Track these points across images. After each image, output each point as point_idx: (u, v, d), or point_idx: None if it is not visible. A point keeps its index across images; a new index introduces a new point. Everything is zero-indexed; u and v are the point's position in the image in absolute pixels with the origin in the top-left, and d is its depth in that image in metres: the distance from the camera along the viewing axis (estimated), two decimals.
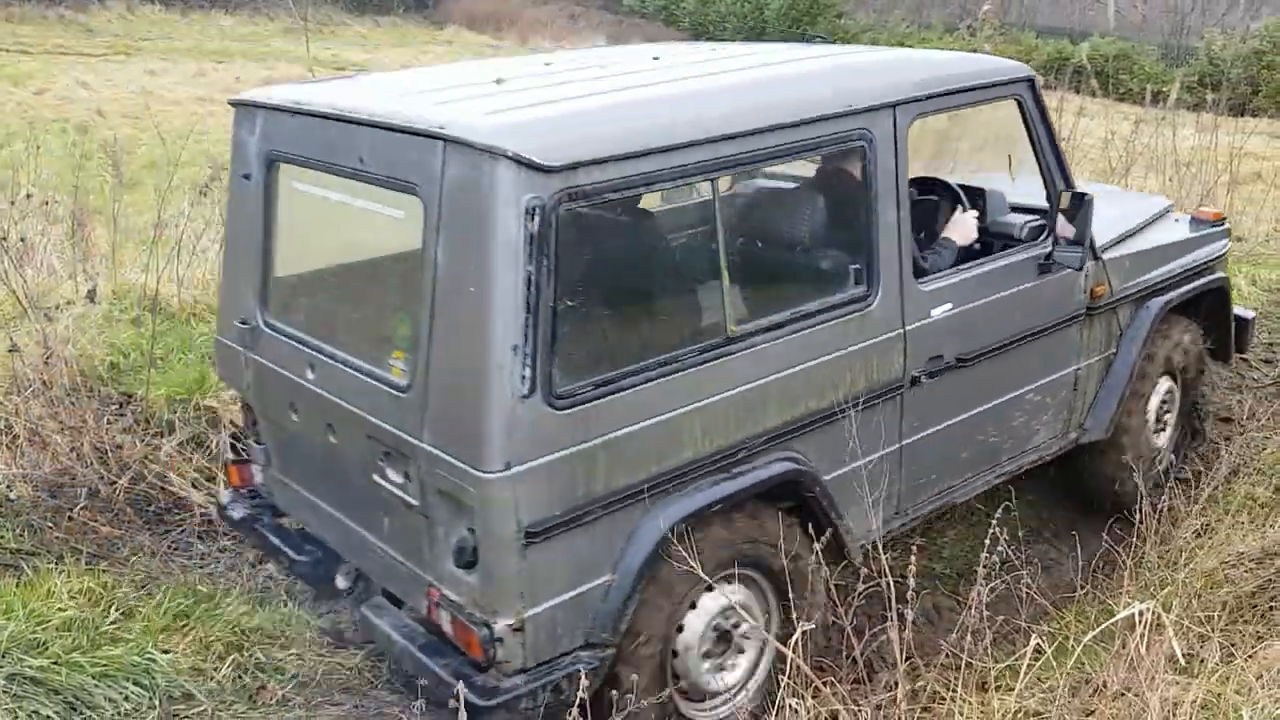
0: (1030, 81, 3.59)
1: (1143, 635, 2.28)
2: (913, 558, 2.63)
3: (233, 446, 3.61)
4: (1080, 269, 3.60)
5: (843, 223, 3.23)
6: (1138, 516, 3.40)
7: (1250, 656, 2.37)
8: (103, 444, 4.07)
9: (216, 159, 8.54)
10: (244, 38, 23.62)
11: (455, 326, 2.54)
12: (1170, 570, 3.16)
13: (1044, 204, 3.66)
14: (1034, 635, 2.34)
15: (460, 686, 2.41)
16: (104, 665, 2.95)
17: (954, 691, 2.58)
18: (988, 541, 2.70)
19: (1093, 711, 2.42)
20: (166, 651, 3.08)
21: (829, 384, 3.06)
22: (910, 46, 34.81)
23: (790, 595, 2.95)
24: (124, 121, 11.86)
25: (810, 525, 2.97)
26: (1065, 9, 35.94)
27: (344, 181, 2.89)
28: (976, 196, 3.81)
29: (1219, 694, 2.23)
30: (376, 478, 2.81)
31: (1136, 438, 4.04)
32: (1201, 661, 2.48)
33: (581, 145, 2.51)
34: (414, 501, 2.71)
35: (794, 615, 2.84)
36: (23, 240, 5.24)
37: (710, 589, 2.85)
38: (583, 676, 2.54)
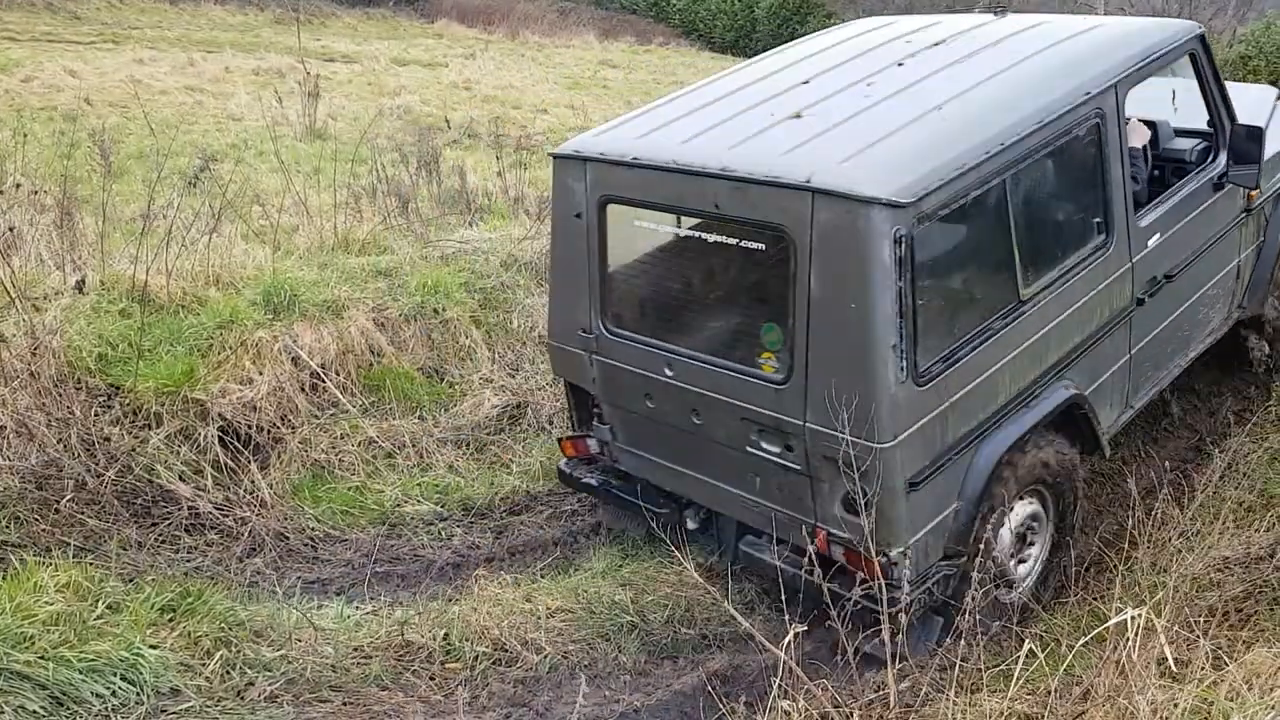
0: (1201, 36, 4.33)
1: (1133, 640, 2.29)
2: None
3: (577, 416, 4.32)
4: (1256, 187, 4.41)
5: (1085, 186, 3.90)
6: (1130, 521, 3.43)
7: (1239, 662, 2.38)
8: (90, 436, 4.04)
9: (205, 149, 8.54)
10: (234, 27, 23.47)
11: (833, 334, 3.25)
12: (1159, 575, 3.17)
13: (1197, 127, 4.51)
14: (1026, 639, 2.35)
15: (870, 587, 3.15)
16: (91, 660, 2.92)
17: (944, 693, 2.59)
18: None
19: (1082, 714, 2.44)
20: (154, 646, 3.06)
21: (1087, 320, 3.85)
22: None
23: (1063, 499, 3.84)
24: (112, 110, 11.75)
25: (1075, 438, 3.85)
26: (1055, 10, 35.91)
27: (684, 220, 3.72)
28: (1148, 125, 4.62)
29: (1209, 700, 2.25)
30: (750, 449, 3.58)
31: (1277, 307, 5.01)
32: (1188, 666, 2.49)
33: (923, 180, 3.18)
34: (796, 466, 3.48)
35: (1069, 515, 3.85)
36: (11, 230, 5.19)
37: (1020, 499, 3.69)
38: (947, 580, 3.43)
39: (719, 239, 3.65)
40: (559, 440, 4.47)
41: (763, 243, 3.46)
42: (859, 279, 3.17)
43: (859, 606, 3.16)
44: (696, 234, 3.75)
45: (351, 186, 6.94)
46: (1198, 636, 2.59)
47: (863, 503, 3.22)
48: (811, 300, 3.27)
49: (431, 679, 3.28)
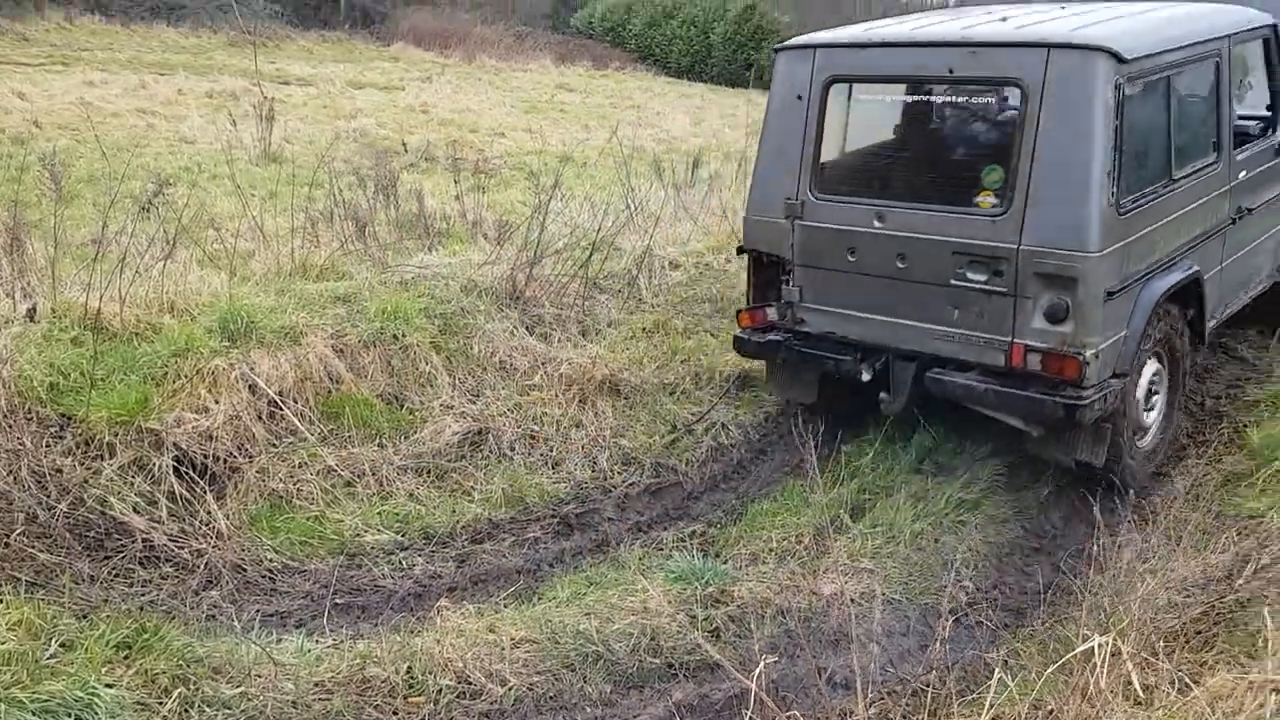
0: (1275, 27, 5.54)
1: (1099, 667, 2.31)
2: None
3: (756, 293, 5.05)
4: None
5: (1209, 109, 5.02)
6: (1094, 546, 3.47)
7: (1204, 686, 2.41)
8: (41, 467, 3.94)
9: (159, 173, 8.40)
10: (186, 50, 23.23)
11: (1056, 166, 4.10)
12: (1120, 598, 3.21)
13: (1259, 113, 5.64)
14: (996, 668, 2.37)
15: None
16: (45, 701, 2.83)
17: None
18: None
19: None
20: (110, 685, 2.97)
21: (1204, 218, 4.88)
22: None
23: (1178, 367, 4.79)
24: (62, 133, 11.56)
25: (1190, 315, 4.81)
26: None
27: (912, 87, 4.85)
28: None
29: None
30: (955, 282, 4.35)
31: None
32: (1153, 691, 2.52)
33: (1134, 48, 4.18)
34: (1002, 290, 4.24)
35: (1178, 387, 4.83)
36: None
37: (1150, 357, 4.59)
38: (1114, 395, 4.23)
39: (946, 99, 4.78)
40: (737, 313, 5.18)
41: (992, 98, 4.57)
42: (1085, 116, 4.08)
43: (1060, 412, 4.11)
44: (920, 98, 4.89)
45: (308, 211, 6.87)
46: (1161, 660, 2.62)
47: (1070, 305, 4.09)
48: (1039, 138, 4.13)
49: (395, 714, 3.22)
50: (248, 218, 6.70)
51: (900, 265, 4.50)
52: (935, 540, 4.21)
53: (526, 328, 5.88)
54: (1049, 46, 4.14)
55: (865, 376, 4.71)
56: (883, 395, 4.74)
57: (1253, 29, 5.36)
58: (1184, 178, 4.67)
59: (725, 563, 4.14)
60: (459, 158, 12.17)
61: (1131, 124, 4.23)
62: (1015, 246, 4.17)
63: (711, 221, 7.97)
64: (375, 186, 7.85)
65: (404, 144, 12.32)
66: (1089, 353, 4.11)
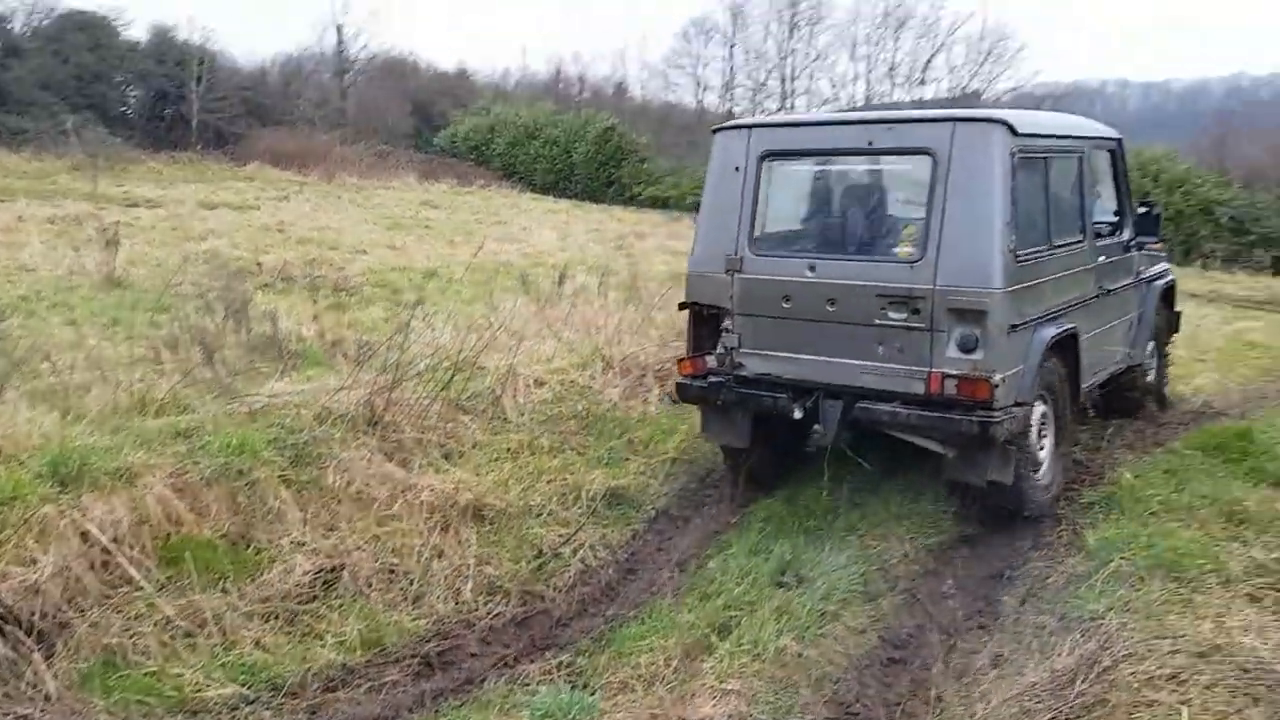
0: (1119, 141, 6.72)
1: None
2: None
3: (695, 343, 5.66)
4: (1160, 241, 7.22)
5: (1075, 197, 5.96)
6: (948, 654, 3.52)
7: None
8: None
9: None
10: (29, 174, 22.43)
11: (963, 218, 4.88)
12: (973, 708, 3.26)
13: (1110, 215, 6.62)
14: None
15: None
16: None
17: None
18: None
19: None
20: None
21: (1075, 285, 5.71)
22: None
23: (1060, 415, 5.54)
24: None
25: (1068, 371, 5.58)
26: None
27: (838, 158, 5.77)
28: None
29: None
30: (879, 321, 5.03)
31: (1144, 368, 7.14)
32: None
33: (1023, 126, 5.09)
34: (920, 326, 4.94)
35: (1057, 420, 5.51)
36: None
37: (1041, 400, 5.35)
38: (1016, 420, 4.95)
39: (867, 167, 5.73)
40: (678, 361, 5.81)
41: (907, 164, 5.33)
42: (986, 176, 4.90)
43: (975, 430, 4.79)
44: (843, 167, 5.84)
45: (151, 338, 6.62)
46: None
47: (979, 336, 4.82)
48: (948, 196, 4.92)
49: None
50: (85, 348, 6.40)
51: (830, 308, 5.21)
52: (799, 655, 4.21)
53: (385, 454, 5.74)
54: (955, 120, 5.03)
55: (797, 414, 5.28)
56: (816, 428, 5.27)
57: (1104, 138, 6.53)
58: (1060, 246, 5.55)
59: (594, 694, 4.04)
60: (318, 276, 11.99)
61: (1021, 188, 5.07)
62: (931, 287, 4.92)
63: (576, 338, 8.02)
64: (225, 309, 7.62)
65: (258, 264, 12.08)
66: (997, 377, 4.84)
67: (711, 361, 5.59)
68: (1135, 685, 3.26)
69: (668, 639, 4.39)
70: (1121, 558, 4.39)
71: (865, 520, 5.43)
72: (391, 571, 4.92)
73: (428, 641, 4.49)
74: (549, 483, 5.68)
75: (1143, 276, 7.04)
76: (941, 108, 5.83)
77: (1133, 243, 6.76)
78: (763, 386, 5.44)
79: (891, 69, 43.57)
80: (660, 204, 35.71)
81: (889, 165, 5.57)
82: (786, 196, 5.92)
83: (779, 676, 4.10)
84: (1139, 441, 6.57)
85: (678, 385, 5.78)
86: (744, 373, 5.50)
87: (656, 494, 5.88)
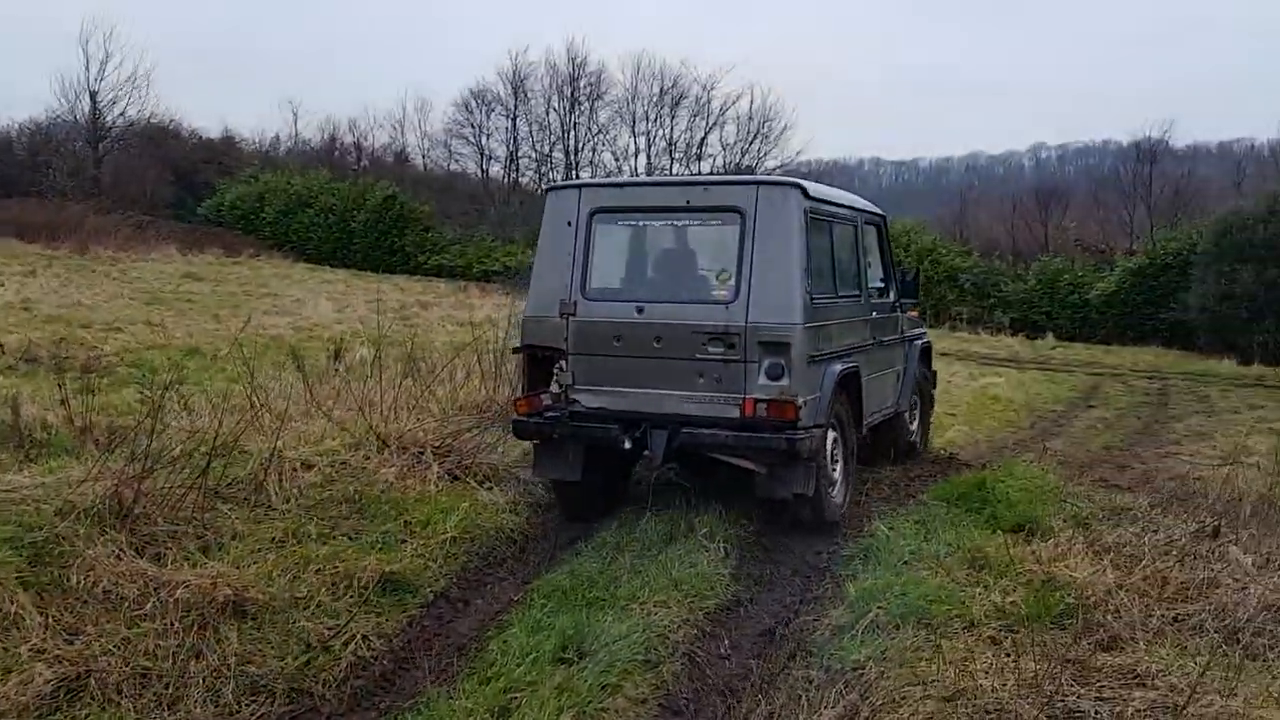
0: (885, 217, 8.09)
1: None
2: None
3: (530, 383, 6.32)
4: (917, 304, 8.69)
5: (854, 258, 7.13)
6: None
7: None
8: None
9: None
10: None
11: (768, 265, 5.83)
12: None
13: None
14: None
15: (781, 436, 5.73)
16: None
17: None
18: None
19: None
20: None
21: (855, 332, 6.80)
22: (497, 258, 36.68)
23: (846, 441, 6.52)
24: None
25: (852, 406, 6.66)
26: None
27: (660, 215, 6.45)
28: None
29: None
30: (699, 356, 5.85)
31: (908, 417, 8.50)
32: None
33: (815, 191, 6.32)
34: (735, 358, 5.78)
35: (845, 446, 6.52)
36: None
37: (833, 427, 6.32)
38: (815, 440, 5.84)
39: (684, 224, 6.40)
40: (515, 400, 6.46)
41: (720, 220, 6.14)
42: (786, 229, 5.90)
43: (783, 446, 5.68)
44: (664, 223, 6.50)
45: None
46: None
47: (784, 365, 5.73)
48: (755, 246, 5.87)
49: None
50: None
51: (656, 345, 5.97)
52: None
53: (136, 549, 5.33)
54: (758, 184, 6.09)
55: (627, 445, 5.94)
56: (646, 453, 5.98)
57: (874, 213, 7.82)
58: (844, 297, 6.65)
59: None
60: (65, 357, 11.12)
61: (813, 243, 6.08)
62: (744, 324, 5.82)
63: (348, 416, 7.77)
64: None
65: (0, 346, 11.11)
66: (800, 400, 5.74)
67: (547, 399, 6.18)
68: None
69: None
70: (878, 607, 4.65)
71: (646, 587, 5.49)
72: (144, 676, 4.54)
73: None
74: (317, 572, 5.42)
75: (906, 335, 8.30)
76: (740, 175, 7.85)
77: (898, 304, 8.00)
78: (594, 420, 6.05)
79: (670, 144, 45.48)
80: (447, 273, 35.48)
81: (704, 221, 6.33)
82: (614, 248, 6.61)
83: None
84: (894, 494, 7.02)
85: (514, 423, 6.35)
86: (578, 408, 6.10)
87: (435, 576, 5.73)
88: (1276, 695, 3.33)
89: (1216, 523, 5.56)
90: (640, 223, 6.61)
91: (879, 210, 7.99)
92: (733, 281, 5.91)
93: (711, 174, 40.19)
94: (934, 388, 9.32)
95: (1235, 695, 3.35)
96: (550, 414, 6.14)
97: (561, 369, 6.13)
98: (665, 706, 4.44)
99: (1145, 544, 5.38)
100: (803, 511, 6.08)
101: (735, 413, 5.78)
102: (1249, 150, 54.21)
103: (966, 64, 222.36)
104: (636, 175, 42.76)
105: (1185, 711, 3.23)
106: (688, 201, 6.15)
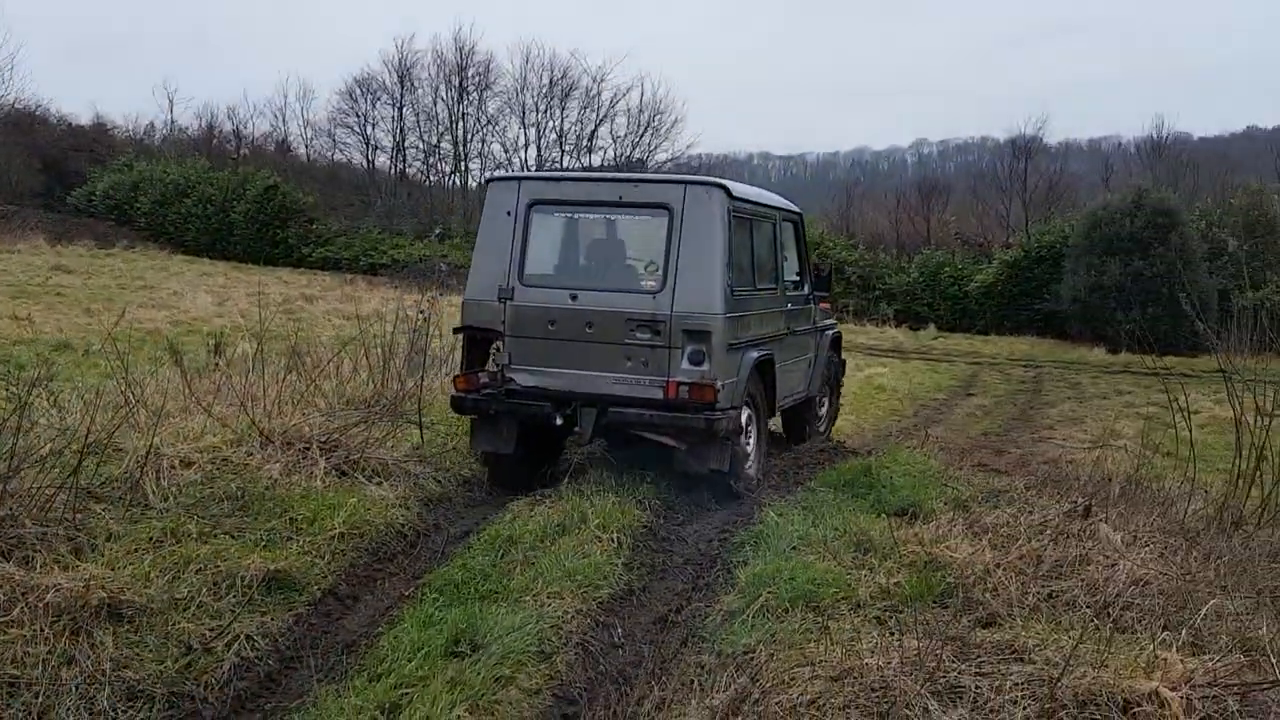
0: (801, 215, 8.68)
1: None
2: None
3: (468, 362, 6.85)
4: (827, 297, 9.32)
5: (771, 253, 7.69)
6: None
7: None
8: None
9: None
10: None
11: (693, 259, 6.34)
12: None
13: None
14: None
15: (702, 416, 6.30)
16: None
17: None
18: None
19: None
20: None
21: (770, 322, 7.40)
22: (385, 250, 36.01)
23: (759, 419, 7.12)
24: None
25: (766, 389, 7.28)
26: None
27: (594, 208, 6.92)
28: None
29: None
30: (628, 340, 6.36)
31: (820, 401, 9.11)
32: None
33: (738, 190, 6.85)
34: (661, 344, 6.31)
35: (759, 425, 7.14)
36: None
37: (748, 405, 6.82)
38: (731, 419, 6.38)
39: (618, 216, 6.83)
40: (454, 378, 6.89)
41: (649, 215, 6.58)
42: (710, 226, 6.40)
43: (702, 425, 6.25)
44: (598, 215, 6.92)
45: None
46: None
47: (705, 351, 6.27)
48: (682, 241, 6.36)
49: None
50: None
51: (588, 330, 6.45)
52: None
53: (2, 553, 5.06)
54: (686, 183, 6.57)
55: (558, 421, 6.47)
56: (576, 429, 6.54)
57: (791, 211, 8.41)
58: (761, 289, 7.22)
59: None
60: None
61: (734, 240, 6.60)
62: (669, 313, 6.33)
63: (230, 412, 7.52)
64: None
65: None
66: (719, 384, 6.26)
67: (484, 377, 6.66)
68: (781, 714, 3.50)
69: None
70: (768, 592, 4.73)
71: (539, 579, 5.46)
72: (12, 684, 4.31)
73: None
74: (198, 572, 5.23)
75: (818, 326, 8.94)
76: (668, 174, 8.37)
77: (811, 296, 8.59)
78: (528, 398, 6.53)
79: (561, 136, 45.28)
80: (332, 266, 34.62)
81: (635, 216, 6.77)
82: (550, 237, 7.03)
83: None
84: (783, 481, 7.14)
85: (453, 399, 6.81)
86: (513, 386, 6.59)
87: (323, 573, 5.59)
88: (1144, 665, 3.50)
89: (1087, 503, 5.81)
90: (575, 215, 6.97)
91: (797, 209, 8.51)
92: (660, 273, 6.40)
93: (603, 168, 40.37)
94: (843, 375, 9.99)
95: (1106, 667, 3.51)
96: (487, 391, 6.60)
97: (498, 349, 6.61)
98: (559, 696, 4.43)
99: (1021, 524, 5.59)
100: (719, 485, 6.57)
101: (659, 394, 6.27)
102: (1116, 148, 57.01)
103: (849, 62, 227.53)
104: (528, 168, 42.49)
105: (1060, 684, 3.37)
106: (620, 197, 6.61)
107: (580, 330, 6.44)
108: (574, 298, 6.51)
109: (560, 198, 6.85)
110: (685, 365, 6.25)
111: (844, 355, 10.35)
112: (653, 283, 6.45)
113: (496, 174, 7.24)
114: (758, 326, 7.00)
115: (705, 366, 6.22)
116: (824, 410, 9.28)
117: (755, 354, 6.80)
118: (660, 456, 6.62)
